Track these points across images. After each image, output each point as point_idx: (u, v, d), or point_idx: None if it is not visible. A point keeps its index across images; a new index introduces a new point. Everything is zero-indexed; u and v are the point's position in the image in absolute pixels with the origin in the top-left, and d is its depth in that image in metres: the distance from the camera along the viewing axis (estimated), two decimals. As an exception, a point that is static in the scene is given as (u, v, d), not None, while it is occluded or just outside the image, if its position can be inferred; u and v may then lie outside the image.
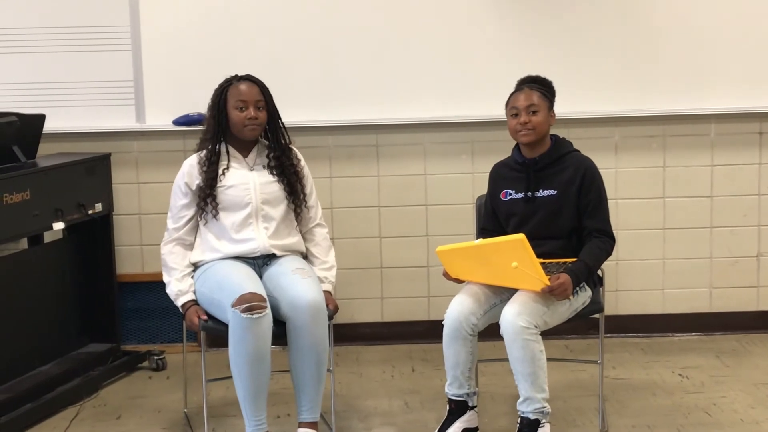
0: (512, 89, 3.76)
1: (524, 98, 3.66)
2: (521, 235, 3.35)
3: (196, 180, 3.72)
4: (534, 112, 3.64)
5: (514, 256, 3.37)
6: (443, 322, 3.59)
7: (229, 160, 3.74)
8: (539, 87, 3.71)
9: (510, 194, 3.75)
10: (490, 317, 3.59)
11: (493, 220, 3.84)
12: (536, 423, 3.45)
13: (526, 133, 3.65)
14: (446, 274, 3.70)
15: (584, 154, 3.75)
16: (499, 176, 3.83)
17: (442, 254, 3.62)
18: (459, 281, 3.70)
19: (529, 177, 3.71)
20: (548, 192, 3.68)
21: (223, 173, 3.71)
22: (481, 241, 3.58)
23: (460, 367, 3.59)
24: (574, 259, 3.59)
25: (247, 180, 3.73)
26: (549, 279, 3.42)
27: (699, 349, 4.72)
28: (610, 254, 3.65)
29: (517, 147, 3.78)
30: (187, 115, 4.66)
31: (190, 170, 3.74)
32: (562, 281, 3.44)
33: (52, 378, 4.20)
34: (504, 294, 3.59)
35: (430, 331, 4.79)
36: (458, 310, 3.55)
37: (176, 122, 4.69)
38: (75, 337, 4.54)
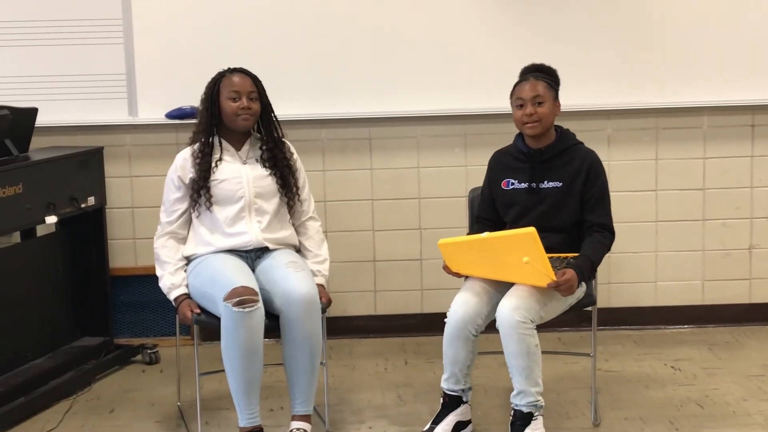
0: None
1: (530, 89, 3.61)
2: (532, 229, 3.28)
3: (189, 173, 3.71)
4: (540, 103, 3.59)
5: (523, 251, 3.30)
6: (446, 320, 3.54)
7: (221, 153, 3.74)
8: (544, 77, 3.65)
9: (512, 183, 3.69)
10: (491, 315, 3.52)
11: (490, 209, 3.78)
12: (529, 416, 3.45)
13: (532, 125, 3.60)
14: (446, 268, 3.62)
15: (588, 147, 3.71)
16: (500, 164, 3.76)
17: (444, 247, 3.53)
18: (459, 275, 3.63)
19: (534, 167, 3.65)
20: (553, 183, 3.63)
21: (216, 165, 3.71)
22: (487, 234, 3.51)
23: (459, 365, 3.56)
24: (574, 254, 3.55)
25: (239, 174, 3.73)
26: (555, 274, 3.38)
27: (691, 341, 4.73)
28: (609, 250, 3.62)
29: (520, 136, 3.72)
30: (179, 108, 4.65)
31: (183, 164, 3.74)
32: (568, 277, 3.39)
33: (45, 372, 4.19)
34: (505, 289, 3.52)
35: (424, 323, 4.81)
36: (464, 310, 3.50)
37: (169, 115, 4.68)
38: (68, 331, 4.53)
